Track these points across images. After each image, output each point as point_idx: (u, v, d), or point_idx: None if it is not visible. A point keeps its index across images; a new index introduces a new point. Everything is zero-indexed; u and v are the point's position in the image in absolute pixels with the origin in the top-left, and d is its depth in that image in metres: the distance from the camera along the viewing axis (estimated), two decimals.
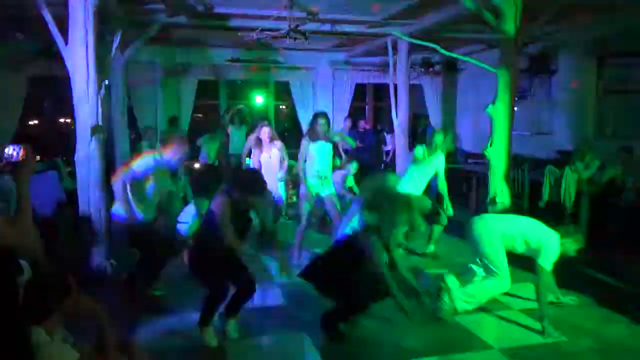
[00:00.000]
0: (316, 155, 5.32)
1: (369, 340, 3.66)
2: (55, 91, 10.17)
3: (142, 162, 4.11)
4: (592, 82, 8.13)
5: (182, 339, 3.70)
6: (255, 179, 3.62)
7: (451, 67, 10.87)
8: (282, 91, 11.18)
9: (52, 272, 2.22)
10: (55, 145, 9.79)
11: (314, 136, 5.30)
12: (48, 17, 4.71)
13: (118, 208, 4.11)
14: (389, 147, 10.30)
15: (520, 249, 3.97)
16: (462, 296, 4.03)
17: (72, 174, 5.33)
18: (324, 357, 3.45)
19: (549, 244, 3.82)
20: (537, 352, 3.57)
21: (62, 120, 13.51)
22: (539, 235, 3.89)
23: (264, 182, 3.68)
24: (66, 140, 6.39)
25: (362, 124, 10.57)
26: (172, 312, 4.16)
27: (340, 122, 10.39)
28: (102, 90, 4.79)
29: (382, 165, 10.32)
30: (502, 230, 4.01)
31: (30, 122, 13.48)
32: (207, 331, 3.55)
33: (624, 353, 3.59)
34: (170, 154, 4.19)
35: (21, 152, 1.81)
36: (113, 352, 2.16)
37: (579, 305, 4.36)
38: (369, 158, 9.90)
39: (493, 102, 5.72)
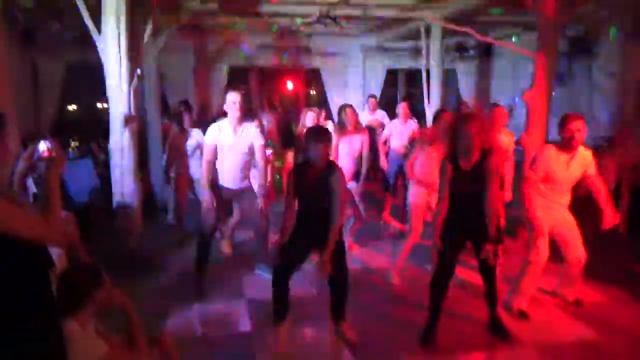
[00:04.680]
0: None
1: (401, 328, 3.60)
2: (92, 77, 10.38)
3: None
4: (636, 65, 7.76)
5: (212, 329, 3.75)
6: None
7: (487, 51, 10.56)
8: (313, 77, 11.11)
9: (86, 265, 2.27)
10: (92, 130, 10.04)
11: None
12: (82, 7, 4.76)
13: None
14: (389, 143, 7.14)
15: None
16: None
17: (108, 161, 5.45)
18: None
19: None
20: (571, 349, 3.48)
21: (99, 105, 13.84)
22: None
23: None
24: (103, 125, 6.51)
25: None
26: (203, 300, 4.22)
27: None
28: (135, 80, 4.84)
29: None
30: None
31: (69, 108, 13.87)
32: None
33: None
34: None
35: (52, 148, 1.83)
36: (143, 345, 2.20)
37: (617, 301, 4.21)
38: None
39: (530, 88, 5.54)
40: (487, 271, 3.54)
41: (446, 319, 3.65)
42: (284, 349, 3.42)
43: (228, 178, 4.40)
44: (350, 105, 5.40)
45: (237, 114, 4.26)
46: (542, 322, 3.85)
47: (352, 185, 5.23)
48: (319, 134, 3.35)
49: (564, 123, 3.71)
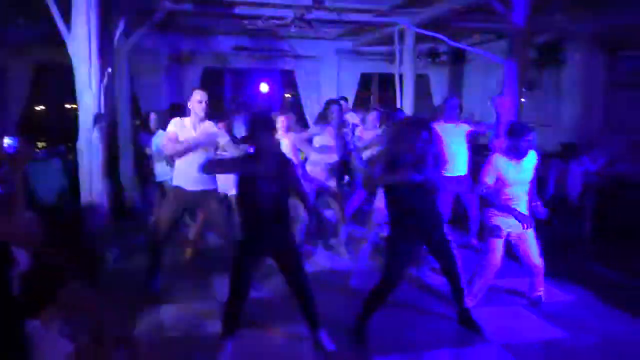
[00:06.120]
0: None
1: (372, 328, 3.59)
2: (61, 77, 10.15)
3: None
4: (602, 75, 8.00)
5: (181, 331, 3.70)
6: None
7: (458, 57, 10.74)
8: (288, 80, 11.12)
9: (50, 264, 2.21)
10: (61, 132, 9.80)
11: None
12: (52, 5, 4.65)
13: None
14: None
15: None
16: None
17: (76, 162, 5.34)
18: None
19: None
20: (539, 348, 3.55)
21: (68, 106, 13.54)
22: None
23: None
24: (72, 127, 6.39)
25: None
26: (170, 302, 4.17)
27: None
28: (105, 79, 4.76)
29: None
30: None
31: (37, 108, 13.53)
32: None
33: (629, 349, 3.55)
34: None
35: (17, 145, 1.79)
36: (109, 345, 2.16)
37: (584, 301, 4.32)
38: None
39: (500, 93, 5.66)
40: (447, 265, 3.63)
41: (417, 316, 3.68)
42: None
43: (188, 178, 4.19)
44: (336, 102, 5.37)
45: (202, 113, 4.22)
46: (509, 322, 3.93)
47: (332, 184, 5.22)
48: (268, 121, 3.20)
49: (521, 133, 3.79)
